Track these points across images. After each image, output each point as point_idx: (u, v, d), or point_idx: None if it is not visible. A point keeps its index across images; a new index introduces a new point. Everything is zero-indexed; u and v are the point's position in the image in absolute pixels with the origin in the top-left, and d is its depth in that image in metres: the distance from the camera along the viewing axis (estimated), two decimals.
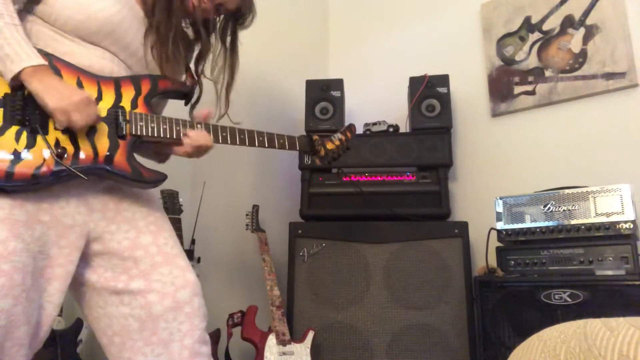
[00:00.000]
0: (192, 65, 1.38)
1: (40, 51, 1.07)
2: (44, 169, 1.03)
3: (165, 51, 1.24)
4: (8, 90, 1.04)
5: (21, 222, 1.02)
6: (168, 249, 1.21)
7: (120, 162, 1.14)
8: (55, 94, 1.03)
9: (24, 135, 1.03)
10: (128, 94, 1.18)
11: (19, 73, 1.02)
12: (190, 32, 1.37)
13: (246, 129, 1.33)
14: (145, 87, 1.21)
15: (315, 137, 1.49)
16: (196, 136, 1.24)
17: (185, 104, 1.36)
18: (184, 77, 1.37)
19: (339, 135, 1.54)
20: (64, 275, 1.10)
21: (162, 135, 1.20)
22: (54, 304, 1.08)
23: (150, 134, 1.19)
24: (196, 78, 1.37)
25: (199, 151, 1.26)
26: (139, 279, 1.16)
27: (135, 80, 1.21)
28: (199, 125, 1.26)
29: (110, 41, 1.18)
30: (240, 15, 1.36)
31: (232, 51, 1.38)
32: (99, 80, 1.15)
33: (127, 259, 1.17)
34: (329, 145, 1.51)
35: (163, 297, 1.15)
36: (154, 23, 1.23)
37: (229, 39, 1.37)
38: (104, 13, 1.14)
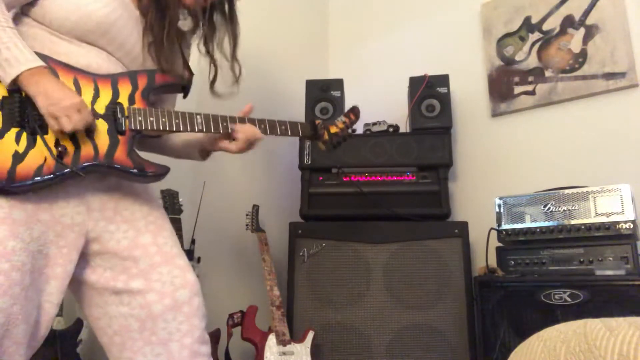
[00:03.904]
0: (201, 48, 1.38)
1: (36, 53, 1.07)
2: (45, 169, 1.03)
3: (161, 49, 1.24)
4: (6, 93, 1.04)
5: (20, 222, 1.02)
6: (167, 249, 1.21)
7: (121, 157, 1.14)
8: (46, 98, 1.03)
9: (24, 136, 1.04)
10: (125, 90, 1.18)
11: (17, 77, 1.02)
12: (188, 22, 1.37)
13: (246, 117, 1.33)
14: (142, 82, 1.22)
15: (318, 121, 1.46)
16: (245, 129, 1.27)
17: (184, 97, 1.37)
18: (180, 70, 1.37)
19: (342, 118, 1.50)
20: (62, 275, 1.10)
21: (161, 128, 1.20)
22: (53, 304, 1.08)
23: (149, 128, 1.19)
24: (210, 57, 1.38)
25: (251, 144, 1.28)
26: (138, 278, 1.16)
27: (132, 76, 1.21)
28: (198, 117, 1.25)
29: (106, 40, 1.18)
30: None
31: (231, 21, 1.37)
32: (96, 78, 1.15)
33: (126, 258, 1.17)
34: (333, 129, 1.47)
35: (162, 296, 1.16)
36: (148, 21, 1.23)
37: (227, 10, 1.37)
38: (98, 13, 1.14)
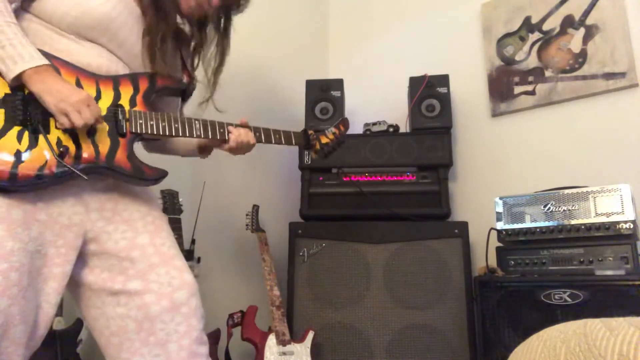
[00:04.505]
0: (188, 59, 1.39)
1: (39, 51, 1.07)
2: (46, 169, 1.03)
3: (154, 51, 1.24)
4: (8, 91, 1.04)
5: (18, 222, 1.01)
6: (165, 250, 1.21)
7: (121, 160, 1.14)
8: (55, 95, 1.03)
9: (26, 135, 1.03)
10: (127, 92, 1.19)
11: (21, 75, 1.02)
12: (186, 27, 1.38)
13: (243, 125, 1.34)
14: (144, 85, 1.22)
15: (311, 131, 1.52)
16: (238, 132, 1.32)
17: (183, 101, 1.37)
18: (180, 74, 1.37)
19: (332, 129, 1.56)
20: (60, 275, 1.09)
21: (161, 133, 1.21)
22: (51, 304, 1.08)
23: (149, 132, 1.19)
24: (193, 73, 1.39)
25: (242, 147, 1.34)
26: (136, 279, 1.16)
27: (133, 79, 1.21)
28: (197, 122, 1.27)
29: (107, 38, 1.18)
30: (236, 3, 1.37)
31: (224, 36, 1.39)
32: (98, 79, 1.15)
33: (124, 259, 1.16)
34: (323, 140, 1.53)
35: (160, 297, 1.15)
36: (147, 22, 1.24)
37: (222, 25, 1.39)
38: (99, 9, 1.14)
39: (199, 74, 1.40)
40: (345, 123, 1.59)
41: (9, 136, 1.02)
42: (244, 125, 1.36)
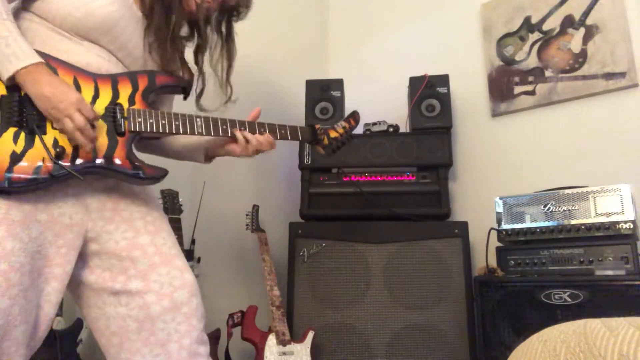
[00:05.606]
0: (189, 57, 1.38)
1: (36, 52, 1.06)
2: (43, 170, 1.03)
3: (165, 53, 1.24)
4: (4, 92, 1.04)
5: (18, 222, 1.01)
6: (166, 249, 1.21)
7: (120, 159, 1.14)
8: (45, 101, 1.03)
9: (22, 136, 1.03)
10: (125, 91, 1.18)
11: (14, 75, 1.02)
12: (185, 27, 1.37)
13: (246, 120, 1.33)
14: (143, 83, 1.21)
15: (318, 126, 1.46)
16: (261, 139, 1.31)
17: (184, 99, 1.36)
18: (180, 71, 1.36)
19: (342, 123, 1.51)
20: (61, 275, 1.09)
21: (160, 131, 1.20)
22: (52, 304, 1.08)
23: (149, 130, 1.18)
24: (198, 70, 1.37)
25: (258, 152, 1.32)
26: (136, 279, 1.15)
27: (132, 77, 1.20)
28: (198, 119, 1.25)
29: (108, 39, 1.17)
30: (237, 9, 1.37)
31: (228, 40, 1.38)
32: (96, 77, 1.14)
33: (124, 259, 1.16)
34: (332, 134, 1.48)
35: (161, 297, 1.15)
36: (152, 24, 1.23)
37: (224, 29, 1.38)
38: (103, 10, 1.14)
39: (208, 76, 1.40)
40: (355, 117, 1.53)
41: (5, 138, 1.01)
42: (249, 124, 1.33)
